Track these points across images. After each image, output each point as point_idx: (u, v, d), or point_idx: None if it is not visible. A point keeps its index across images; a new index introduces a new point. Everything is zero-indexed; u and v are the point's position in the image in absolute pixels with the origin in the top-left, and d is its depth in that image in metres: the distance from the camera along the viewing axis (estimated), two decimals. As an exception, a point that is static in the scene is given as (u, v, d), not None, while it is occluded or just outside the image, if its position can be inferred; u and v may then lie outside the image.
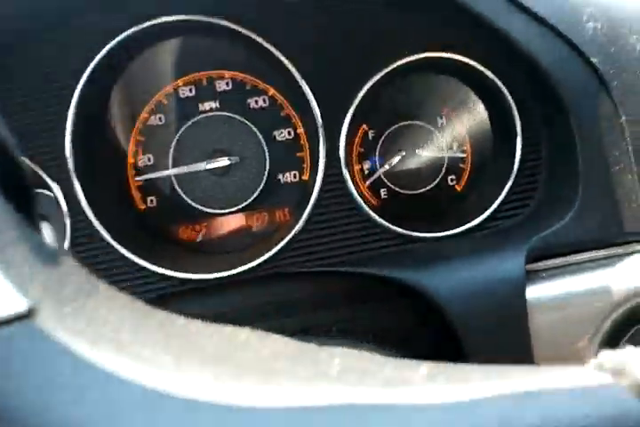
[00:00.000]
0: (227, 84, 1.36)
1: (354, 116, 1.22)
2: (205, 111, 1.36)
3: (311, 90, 1.20)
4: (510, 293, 0.96)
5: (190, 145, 1.35)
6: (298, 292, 1.20)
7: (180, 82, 1.36)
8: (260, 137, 1.36)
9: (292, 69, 1.20)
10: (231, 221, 1.38)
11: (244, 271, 1.19)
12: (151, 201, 1.37)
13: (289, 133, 1.37)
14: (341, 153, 1.21)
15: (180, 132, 1.36)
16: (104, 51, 1.18)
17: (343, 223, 1.21)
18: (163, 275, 1.19)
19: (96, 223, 1.19)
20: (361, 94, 1.20)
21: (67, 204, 1.20)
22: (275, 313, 1.19)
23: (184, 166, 1.34)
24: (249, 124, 1.36)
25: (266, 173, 1.37)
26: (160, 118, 1.36)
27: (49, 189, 1.34)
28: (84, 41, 1.19)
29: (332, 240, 1.20)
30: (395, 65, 1.20)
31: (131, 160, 1.36)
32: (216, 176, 1.36)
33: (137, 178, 1.35)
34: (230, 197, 1.37)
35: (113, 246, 1.19)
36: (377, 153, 1.36)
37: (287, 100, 1.36)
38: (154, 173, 1.34)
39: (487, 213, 1.20)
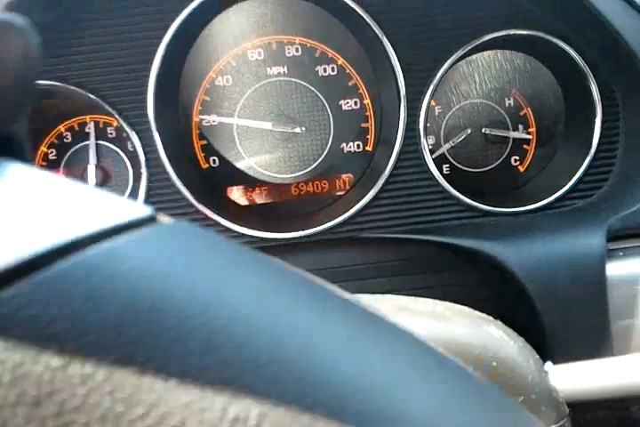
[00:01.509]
0: (296, 49, 1.36)
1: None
2: (273, 76, 1.36)
3: (397, 59, 1.20)
4: (591, 268, 0.96)
5: (256, 108, 1.36)
6: (371, 257, 1.20)
7: (249, 44, 1.36)
8: (327, 105, 1.36)
9: (381, 35, 1.20)
10: (291, 187, 1.38)
11: (318, 233, 1.19)
12: (214, 161, 1.37)
13: (355, 104, 1.37)
14: (420, 124, 1.21)
15: (246, 95, 1.36)
16: (189, 6, 1.19)
17: (416, 193, 1.21)
18: (236, 232, 1.20)
19: (174, 176, 1.20)
20: (444, 67, 1.20)
21: (144, 155, 1.20)
22: (346, 277, 1.20)
23: (250, 120, 1.35)
24: (316, 91, 1.36)
25: (329, 141, 1.37)
26: (227, 80, 1.36)
27: (114, 142, 1.35)
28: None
29: (406, 209, 1.21)
30: (481, 40, 1.20)
31: (196, 119, 1.36)
32: (279, 141, 1.36)
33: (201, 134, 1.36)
34: (292, 163, 1.37)
35: (189, 201, 1.20)
36: (442, 129, 1.37)
37: (356, 70, 1.36)
38: (219, 118, 1.35)
39: (560, 192, 1.20)
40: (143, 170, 1.21)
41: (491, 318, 0.74)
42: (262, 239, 1.20)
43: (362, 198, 1.20)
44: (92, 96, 1.20)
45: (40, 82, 1.19)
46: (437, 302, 0.75)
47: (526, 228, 1.10)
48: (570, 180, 1.20)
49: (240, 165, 1.37)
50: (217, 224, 1.21)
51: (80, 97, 1.21)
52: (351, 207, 1.20)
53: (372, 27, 1.20)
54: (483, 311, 0.85)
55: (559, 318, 0.94)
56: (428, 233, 1.16)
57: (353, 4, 1.20)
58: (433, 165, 1.21)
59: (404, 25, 1.20)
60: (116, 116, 1.20)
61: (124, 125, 1.20)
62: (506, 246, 1.03)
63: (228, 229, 1.20)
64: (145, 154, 1.21)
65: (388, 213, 1.20)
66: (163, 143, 1.19)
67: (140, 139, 1.20)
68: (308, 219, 1.28)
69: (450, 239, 1.11)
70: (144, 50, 1.19)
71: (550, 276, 0.96)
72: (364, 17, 1.20)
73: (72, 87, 1.20)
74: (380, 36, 1.20)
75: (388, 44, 1.20)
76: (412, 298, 0.78)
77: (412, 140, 1.22)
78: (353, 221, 1.21)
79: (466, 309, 0.73)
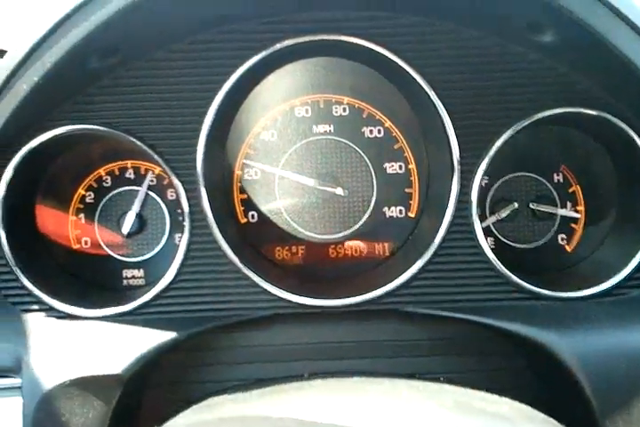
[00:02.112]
0: (344, 109, 1.35)
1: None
2: (319, 133, 1.35)
3: (454, 128, 1.18)
4: None
5: (299, 164, 1.34)
6: (413, 333, 1.16)
7: (297, 101, 1.35)
8: (371, 167, 1.34)
9: (438, 103, 1.18)
10: (329, 249, 1.35)
11: (362, 302, 1.16)
12: (252, 216, 1.34)
13: (400, 167, 1.35)
14: (474, 196, 1.18)
15: (290, 151, 1.34)
16: (245, 64, 1.18)
17: (465, 268, 1.17)
18: (274, 295, 1.16)
19: (215, 231, 1.17)
20: (501, 140, 1.18)
21: (189, 207, 1.18)
22: (384, 352, 1.16)
23: (293, 173, 1.33)
24: (360, 152, 1.34)
25: (371, 204, 1.34)
26: (272, 134, 1.35)
27: (153, 189, 1.33)
28: (225, 54, 1.20)
29: (453, 284, 1.17)
30: (540, 115, 1.18)
31: (238, 172, 1.34)
32: (320, 200, 1.34)
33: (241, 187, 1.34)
34: (331, 224, 1.34)
35: (229, 257, 1.17)
36: (488, 201, 1.34)
37: (402, 134, 1.34)
38: (262, 166, 1.32)
39: (616, 279, 1.15)
40: (186, 222, 1.19)
41: (554, 421, 0.69)
42: (301, 305, 1.17)
43: (407, 268, 1.16)
44: (139, 144, 1.18)
45: (87, 126, 1.18)
46: (497, 398, 0.70)
47: (580, 316, 1.05)
48: (624, 266, 1.16)
49: (279, 221, 1.34)
50: (255, 285, 1.17)
51: (126, 143, 1.20)
52: (395, 277, 1.16)
53: (429, 94, 1.18)
54: (527, 399, 0.80)
55: (618, 419, 0.89)
56: (475, 313, 1.12)
57: (411, 71, 1.19)
58: (483, 238, 1.18)
59: (462, 96, 1.19)
60: (163, 166, 1.18)
61: (171, 175, 1.18)
62: (559, 336, 0.98)
63: (266, 291, 1.17)
64: (190, 206, 1.18)
65: (434, 287, 1.16)
66: (208, 196, 1.17)
67: (186, 190, 1.18)
68: (349, 285, 1.24)
69: (499, 322, 1.07)
70: (198, 103, 1.18)
71: (608, 372, 0.92)
72: (422, 84, 1.18)
73: (120, 133, 1.18)
74: (436, 103, 1.18)
75: (445, 112, 1.18)
76: (470, 392, 0.74)
77: (463, 213, 1.19)
78: (398, 293, 1.17)
79: (528, 409, 0.69)
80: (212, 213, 1.18)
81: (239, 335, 1.21)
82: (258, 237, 1.34)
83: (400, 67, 1.20)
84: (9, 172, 1.16)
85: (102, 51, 1.11)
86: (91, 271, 1.31)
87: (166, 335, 1.08)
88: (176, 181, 1.19)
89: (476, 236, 1.17)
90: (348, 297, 1.16)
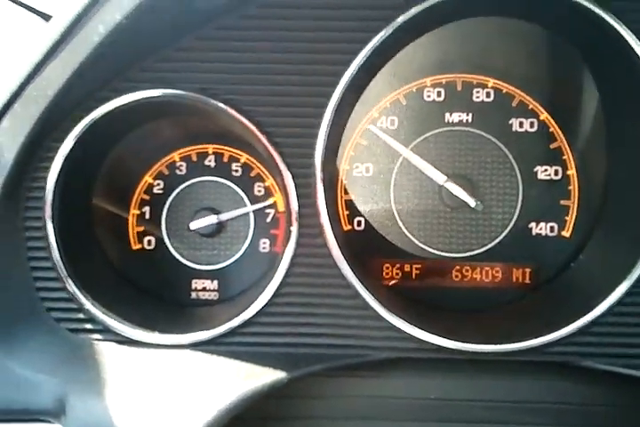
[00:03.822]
0: (487, 94, 1.05)
1: None
2: (453, 124, 1.05)
3: None
4: None
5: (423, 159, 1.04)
6: (586, 396, 0.87)
7: (427, 81, 1.05)
8: (517, 170, 1.04)
9: None
10: (452, 271, 1.05)
11: (520, 351, 0.85)
12: (358, 223, 1.06)
13: (556, 173, 1.04)
14: None
15: (413, 143, 1.05)
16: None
17: None
18: (409, 335, 0.87)
19: (330, 237, 0.89)
20: None
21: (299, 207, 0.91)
22: (542, 417, 0.87)
23: (421, 160, 1.03)
24: (505, 150, 1.04)
25: (514, 217, 1.04)
26: (392, 122, 1.06)
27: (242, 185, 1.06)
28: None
29: None
30: None
31: (344, 167, 1.06)
32: (448, 208, 1.04)
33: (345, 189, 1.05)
34: (459, 240, 1.04)
35: (340, 269, 0.89)
36: None
37: (563, 130, 1.03)
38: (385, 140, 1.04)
39: None
40: (294, 226, 0.89)
41: None
42: (441, 349, 0.86)
43: (587, 309, 0.85)
44: (242, 119, 0.89)
45: (176, 92, 0.90)
46: None
47: None
48: None
49: (391, 231, 1.05)
50: (378, 318, 0.88)
51: (217, 119, 0.93)
52: (566, 319, 0.85)
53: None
54: None
55: None
56: None
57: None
58: None
59: None
60: (269, 148, 0.89)
61: (279, 162, 0.89)
62: None
63: (394, 328, 0.87)
64: (299, 206, 0.90)
65: (622, 336, 0.85)
66: (325, 192, 0.89)
67: (296, 184, 0.89)
68: (485, 323, 0.94)
69: None
70: (325, 79, 0.89)
71: None
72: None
73: (218, 104, 0.90)
74: None
75: None
76: None
77: None
78: (571, 341, 0.85)
79: None
80: (328, 215, 0.89)
81: (351, 382, 0.93)
82: (364, 250, 1.05)
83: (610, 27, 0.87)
84: (68, 144, 0.89)
85: None
86: (151, 279, 1.05)
87: (263, 377, 0.81)
88: (285, 172, 0.89)
89: None
90: (501, 342, 0.85)
